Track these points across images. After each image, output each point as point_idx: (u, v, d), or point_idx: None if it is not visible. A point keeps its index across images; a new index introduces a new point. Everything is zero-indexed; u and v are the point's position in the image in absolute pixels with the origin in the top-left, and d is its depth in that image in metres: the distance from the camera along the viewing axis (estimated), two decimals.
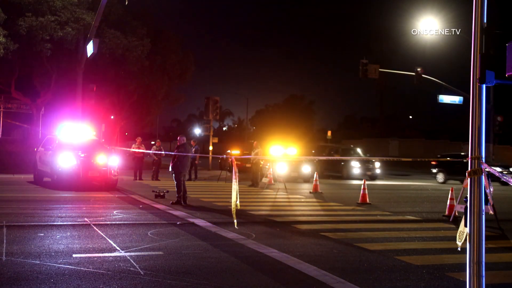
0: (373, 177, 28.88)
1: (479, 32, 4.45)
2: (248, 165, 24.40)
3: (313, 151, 33.34)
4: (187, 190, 14.71)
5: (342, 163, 29.21)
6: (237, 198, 9.09)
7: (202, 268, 7.10)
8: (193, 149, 22.37)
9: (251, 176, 22.18)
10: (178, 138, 15.19)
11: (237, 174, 8.33)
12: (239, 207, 8.89)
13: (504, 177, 4.38)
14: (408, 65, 57.86)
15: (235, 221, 9.00)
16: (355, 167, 29.02)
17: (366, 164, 29.16)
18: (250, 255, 8.04)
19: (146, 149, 23.51)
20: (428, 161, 28.06)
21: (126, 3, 23.59)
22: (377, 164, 29.72)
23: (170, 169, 14.70)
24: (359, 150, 33.52)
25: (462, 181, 16.63)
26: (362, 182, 17.05)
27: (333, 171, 30.07)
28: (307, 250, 8.56)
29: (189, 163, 15.45)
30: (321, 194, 18.88)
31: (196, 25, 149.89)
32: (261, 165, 22.53)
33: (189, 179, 23.31)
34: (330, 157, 30.49)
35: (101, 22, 24.61)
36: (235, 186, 9.04)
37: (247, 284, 6.46)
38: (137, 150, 22.76)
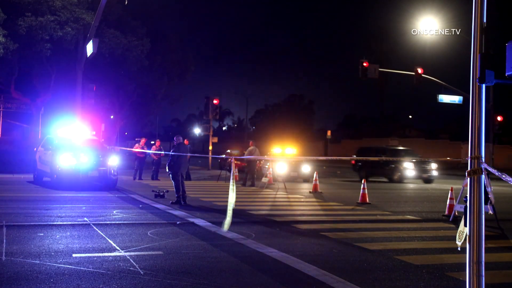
0: (429, 180, 26.80)
1: (479, 32, 4.45)
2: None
3: (354, 155, 31.29)
4: (186, 189, 14.72)
5: (393, 165, 26.75)
6: (233, 197, 9.09)
7: (201, 268, 7.10)
8: None
9: (249, 175, 22.17)
10: (174, 138, 15.19)
11: (236, 174, 8.35)
12: (234, 206, 8.92)
13: (504, 176, 4.37)
14: (408, 65, 57.94)
15: (226, 221, 8.99)
16: (409, 168, 26.43)
17: (422, 166, 26.55)
18: (250, 255, 8.04)
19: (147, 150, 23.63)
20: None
21: (126, 3, 23.59)
22: (434, 166, 27.08)
23: (167, 170, 14.72)
24: (410, 151, 30.47)
25: None
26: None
27: (381, 174, 27.80)
28: (306, 250, 8.56)
29: (186, 163, 15.42)
30: (321, 194, 18.88)
31: (196, 25, 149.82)
32: (260, 165, 22.48)
33: (188, 179, 23.31)
34: (329, 157, 30.26)
35: (100, 22, 24.60)
36: (232, 186, 9.04)
37: (247, 283, 6.46)
38: (137, 150, 22.89)
